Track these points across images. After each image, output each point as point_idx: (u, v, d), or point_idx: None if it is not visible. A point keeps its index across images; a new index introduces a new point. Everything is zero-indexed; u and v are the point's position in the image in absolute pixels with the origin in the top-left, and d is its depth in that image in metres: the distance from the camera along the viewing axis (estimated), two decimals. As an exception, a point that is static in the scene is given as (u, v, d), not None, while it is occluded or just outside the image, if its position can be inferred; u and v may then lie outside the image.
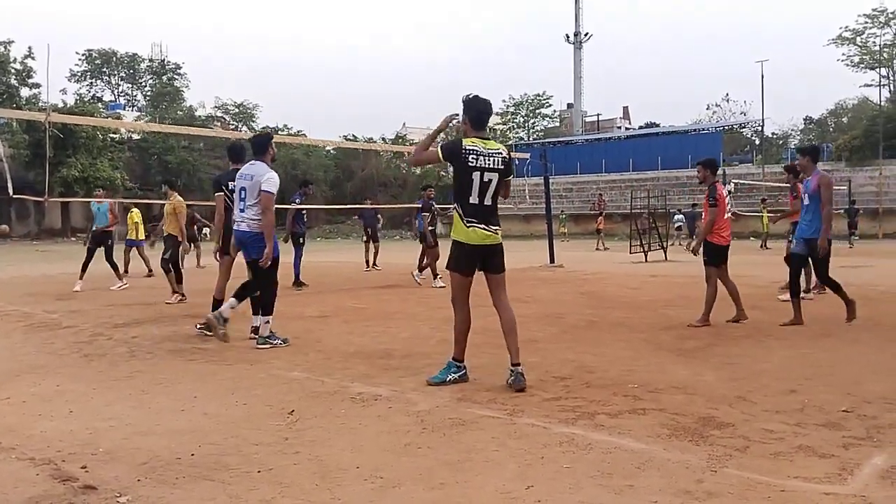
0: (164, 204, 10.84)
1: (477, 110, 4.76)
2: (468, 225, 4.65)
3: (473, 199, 4.64)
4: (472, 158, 4.60)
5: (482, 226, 4.66)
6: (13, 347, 6.54)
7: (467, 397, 4.46)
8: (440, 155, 4.72)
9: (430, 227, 12.37)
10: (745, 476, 3.05)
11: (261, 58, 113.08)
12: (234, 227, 6.49)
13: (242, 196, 6.34)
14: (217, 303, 6.78)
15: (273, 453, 3.44)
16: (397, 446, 3.54)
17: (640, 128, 66.09)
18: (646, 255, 18.32)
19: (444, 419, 3.98)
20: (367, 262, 16.49)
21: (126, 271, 13.74)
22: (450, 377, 4.81)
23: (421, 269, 12.38)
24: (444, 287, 11.78)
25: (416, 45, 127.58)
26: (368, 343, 6.52)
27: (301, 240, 12.14)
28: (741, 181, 34.08)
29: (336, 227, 49.68)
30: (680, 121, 67.16)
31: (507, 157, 4.75)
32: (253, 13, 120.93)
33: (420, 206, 12.98)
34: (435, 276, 11.96)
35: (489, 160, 4.63)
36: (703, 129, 54.30)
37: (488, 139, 4.76)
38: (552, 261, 16.52)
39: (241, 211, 6.34)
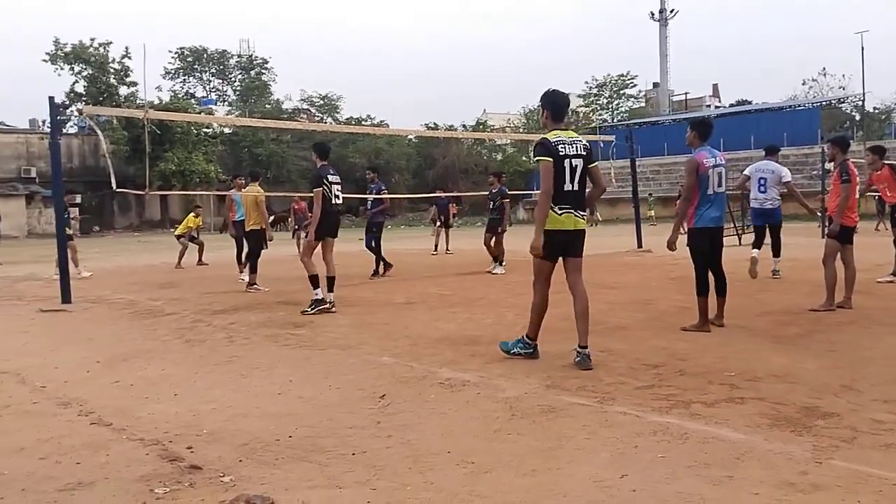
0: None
1: (556, 104, 5.06)
2: (561, 212, 4.84)
3: (567, 186, 4.84)
4: (561, 148, 4.84)
5: (573, 211, 4.88)
6: (120, 333, 6.92)
7: (556, 384, 4.43)
8: (545, 163, 4.81)
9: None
10: (854, 468, 2.91)
11: (343, 47, 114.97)
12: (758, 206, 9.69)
13: (762, 182, 9.49)
14: (314, 279, 7.83)
15: (366, 436, 3.52)
16: (487, 432, 3.55)
17: (731, 105, 63.56)
18: (739, 238, 17.65)
19: (533, 406, 3.96)
20: (436, 246, 17.32)
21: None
22: (515, 350, 5.14)
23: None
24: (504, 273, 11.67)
25: (495, 25, 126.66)
26: (454, 329, 6.56)
27: (374, 229, 12.04)
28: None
29: (419, 216, 50.15)
30: (774, 97, 64.30)
31: (588, 143, 5.01)
32: (331, 3, 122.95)
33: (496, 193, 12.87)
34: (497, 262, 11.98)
35: (573, 147, 4.89)
36: (799, 106, 51.71)
37: (566, 129, 5.03)
38: (639, 245, 16.16)
39: (763, 192, 9.52)
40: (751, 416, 3.66)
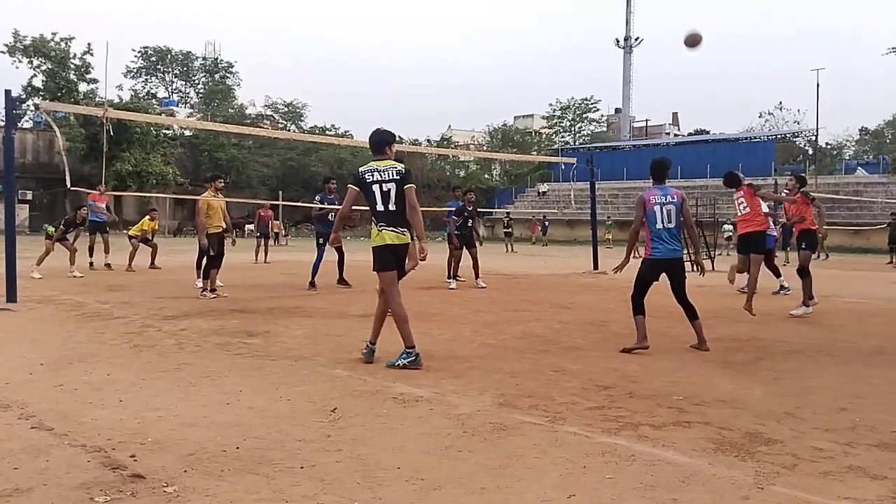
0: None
1: (373, 140, 5.80)
2: (380, 229, 5.53)
3: (380, 207, 5.53)
4: (369, 175, 5.59)
5: (391, 228, 5.53)
6: (66, 336, 6.73)
7: (509, 402, 4.45)
8: (350, 189, 5.67)
9: (457, 232, 12.50)
10: (794, 494, 2.98)
11: (309, 58, 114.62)
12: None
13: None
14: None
15: (316, 450, 3.48)
16: (438, 449, 3.54)
17: (690, 134, 65.00)
18: (692, 266, 18.00)
19: (484, 423, 3.97)
20: None
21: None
22: (399, 362, 5.49)
23: (453, 275, 12.42)
24: (485, 287, 11.83)
25: (462, 46, 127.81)
26: (410, 344, 6.53)
27: (322, 240, 11.43)
28: (793, 192, 33.18)
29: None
30: (731, 128, 65.99)
31: (403, 169, 5.66)
32: (303, 14, 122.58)
33: (452, 208, 12.91)
34: (453, 277, 12.42)
35: (384, 174, 5.58)
36: (755, 138, 53.14)
37: (384, 160, 5.67)
38: (596, 267, 16.36)
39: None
40: (697, 440, 3.72)
